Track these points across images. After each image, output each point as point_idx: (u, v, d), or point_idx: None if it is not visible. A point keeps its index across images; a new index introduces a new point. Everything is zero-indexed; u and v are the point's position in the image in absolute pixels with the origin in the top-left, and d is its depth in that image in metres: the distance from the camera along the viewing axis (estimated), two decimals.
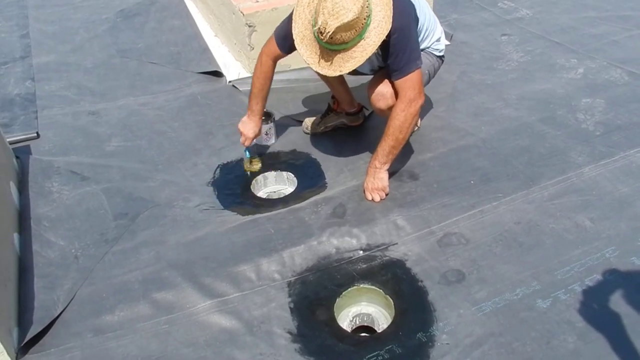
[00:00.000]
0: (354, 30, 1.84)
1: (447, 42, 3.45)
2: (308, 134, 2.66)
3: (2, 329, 1.55)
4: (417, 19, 2.08)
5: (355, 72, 2.42)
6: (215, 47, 3.55)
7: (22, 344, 1.64)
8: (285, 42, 2.13)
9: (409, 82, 2.02)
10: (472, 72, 3.11)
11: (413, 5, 2.05)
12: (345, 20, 1.79)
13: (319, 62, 1.95)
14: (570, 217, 2.09)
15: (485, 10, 3.84)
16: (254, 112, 2.35)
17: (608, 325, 1.71)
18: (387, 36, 1.91)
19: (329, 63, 1.93)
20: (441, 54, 2.33)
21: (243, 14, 2.98)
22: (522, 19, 3.69)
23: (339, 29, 1.81)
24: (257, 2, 3.08)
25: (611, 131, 2.50)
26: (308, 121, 2.68)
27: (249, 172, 2.44)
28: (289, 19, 2.06)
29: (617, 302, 1.78)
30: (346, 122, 2.65)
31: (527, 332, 1.70)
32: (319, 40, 1.90)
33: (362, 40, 1.88)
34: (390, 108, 2.16)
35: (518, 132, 2.55)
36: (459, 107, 2.80)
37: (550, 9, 3.80)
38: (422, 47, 2.21)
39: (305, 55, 1.96)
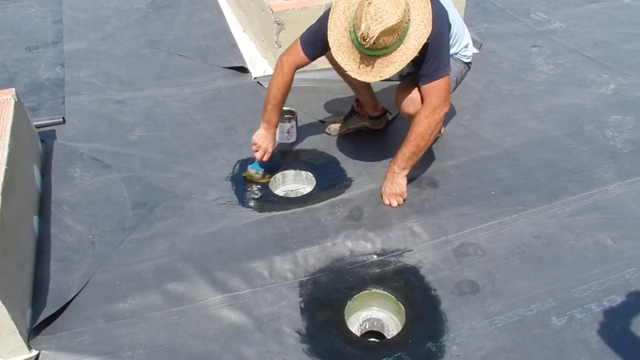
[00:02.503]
0: (396, 34, 1.84)
1: (476, 51, 3.42)
2: (330, 135, 2.65)
3: (16, 310, 1.57)
4: (449, 25, 2.06)
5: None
6: (243, 42, 3.56)
7: (35, 325, 1.67)
8: (313, 48, 2.12)
9: (435, 89, 2.00)
10: (500, 82, 3.07)
11: (446, 11, 2.03)
12: (389, 25, 1.78)
13: (358, 67, 1.93)
14: (592, 235, 2.05)
15: (517, 21, 3.78)
16: (272, 124, 2.29)
17: (624, 348, 1.66)
18: None
19: (370, 68, 1.92)
20: (469, 60, 2.30)
21: (272, 11, 2.98)
22: (555, 31, 3.63)
23: (382, 34, 1.80)
24: (287, 0, 3.08)
25: None
26: (331, 123, 2.68)
27: (246, 178, 2.38)
28: (319, 26, 2.05)
29: (636, 324, 1.73)
30: (369, 126, 2.64)
31: (539, 350, 1.67)
32: (358, 47, 1.89)
33: (402, 45, 1.88)
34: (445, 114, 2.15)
35: (543, 145, 2.50)
36: (484, 116, 2.76)
37: (584, 22, 3.73)
38: (451, 52, 2.19)
39: (344, 62, 1.95)
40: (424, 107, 2.03)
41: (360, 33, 1.82)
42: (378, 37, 1.81)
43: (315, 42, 2.09)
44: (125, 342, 1.68)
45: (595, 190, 2.23)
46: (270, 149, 2.32)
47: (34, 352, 1.62)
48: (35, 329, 1.67)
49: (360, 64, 1.93)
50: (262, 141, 2.29)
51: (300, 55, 2.15)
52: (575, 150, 2.46)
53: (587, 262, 1.95)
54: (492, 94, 2.96)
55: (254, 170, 2.37)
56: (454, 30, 2.13)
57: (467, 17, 3.66)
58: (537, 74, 3.14)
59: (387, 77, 1.92)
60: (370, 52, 1.88)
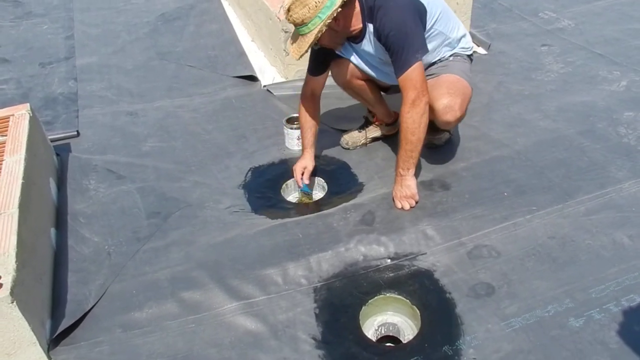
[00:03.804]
0: (308, 7, 1.90)
1: (485, 52, 3.41)
2: (348, 149, 2.62)
3: (36, 321, 1.59)
4: (422, 11, 2.06)
5: (388, 88, 2.43)
6: (252, 52, 3.59)
7: (54, 336, 1.69)
8: (316, 65, 2.28)
9: (409, 82, 2.00)
10: (509, 83, 3.06)
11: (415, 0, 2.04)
12: None
13: (291, 46, 2.04)
14: (608, 233, 2.03)
15: (525, 20, 3.77)
16: (303, 146, 2.41)
17: None
18: (383, 36, 1.99)
19: (296, 45, 2.01)
20: (470, 52, 2.32)
21: (279, 20, 3.01)
22: (564, 29, 3.61)
23: (293, 4, 1.91)
24: None
25: None
26: (347, 137, 2.64)
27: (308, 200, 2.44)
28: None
29: None
30: (385, 133, 2.64)
31: (557, 351, 1.65)
32: (295, 29, 2.01)
33: (320, 21, 1.92)
34: (458, 120, 2.20)
35: (555, 144, 2.48)
36: (494, 117, 2.75)
37: (593, 20, 3.71)
38: (449, 42, 2.24)
39: (288, 47, 2.08)
40: (402, 103, 2.04)
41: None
42: (290, 9, 1.92)
43: (314, 61, 2.26)
44: (143, 351, 1.69)
45: (610, 188, 2.21)
46: (300, 167, 2.36)
47: None
48: (54, 340, 1.69)
49: (291, 43, 2.04)
50: (298, 163, 2.38)
51: (309, 79, 2.31)
52: (588, 148, 2.44)
53: (604, 261, 1.93)
54: (503, 95, 2.95)
55: (302, 194, 2.40)
56: (437, 18, 2.13)
57: (474, 19, 3.67)
58: (547, 72, 3.13)
59: (305, 49, 1.98)
60: (297, 29, 1.98)
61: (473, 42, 3.50)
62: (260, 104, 3.06)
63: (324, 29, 1.94)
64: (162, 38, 3.83)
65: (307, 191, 2.38)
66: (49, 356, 1.64)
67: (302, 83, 2.37)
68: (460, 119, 2.20)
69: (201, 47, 3.68)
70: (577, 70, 3.11)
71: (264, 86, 3.20)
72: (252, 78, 3.28)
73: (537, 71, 3.15)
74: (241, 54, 3.56)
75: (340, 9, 1.93)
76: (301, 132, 2.41)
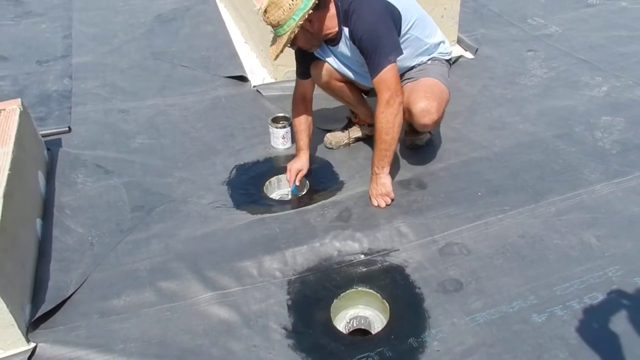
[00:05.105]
0: (282, 10, 1.97)
1: (472, 56, 3.48)
2: (332, 148, 2.68)
3: (15, 305, 1.67)
4: (396, 15, 2.12)
5: (369, 91, 2.50)
6: (244, 53, 3.67)
7: (33, 320, 1.76)
8: (300, 71, 2.37)
9: (383, 83, 2.07)
10: (494, 86, 3.12)
11: (388, 3, 2.10)
12: None
13: (270, 47, 2.12)
14: (576, 233, 2.08)
15: (513, 26, 3.83)
16: (297, 147, 2.47)
17: (603, 345, 1.69)
18: (357, 39, 2.06)
19: (274, 46, 2.08)
20: (448, 57, 2.39)
21: None
22: (551, 35, 3.67)
23: (269, 7, 1.99)
24: None
25: (628, 150, 2.47)
26: (330, 136, 2.70)
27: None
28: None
29: (615, 321, 1.76)
30: (367, 133, 2.70)
31: (519, 345, 1.71)
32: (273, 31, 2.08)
33: (294, 23, 1.99)
34: (436, 122, 2.26)
35: (532, 147, 2.54)
36: (476, 120, 2.82)
37: (580, 26, 3.77)
38: (427, 49, 2.30)
39: (269, 48, 2.15)
40: (377, 103, 2.11)
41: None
42: (267, 11, 2.00)
43: (301, 64, 2.35)
44: (118, 336, 1.76)
45: (582, 190, 2.27)
46: (293, 168, 2.41)
47: (32, 345, 1.71)
48: (33, 324, 1.76)
49: (271, 44, 2.11)
50: (291, 164, 2.43)
51: (298, 83, 2.40)
52: (563, 151, 2.50)
53: (571, 261, 1.98)
54: (486, 98, 3.01)
55: (293, 195, 2.45)
56: (412, 24, 2.19)
57: (464, 24, 3.73)
58: (531, 77, 3.19)
59: (280, 49, 2.06)
60: (275, 30, 2.06)
61: (460, 46, 3.59)
62: (249, 104, 3.13)
63: (297, 30, 2.01)
64: (158, 38, 3.91)
65: (295, 193, 2.44)
66: (27, 338, 1.71)
67: (290, 84, 2.46)
68: (437, 122, 2.27)
69: (195, 47, 3.76)
70: (560, 76, 3.17)
71: (254, 86, 3.26)
72: (243, 78, 3.35)
73: (522, 76, 3.21)
74: (234, 55, 3.63)
75: (312, 11, 2.00)
76: (295, 135, 2.47)
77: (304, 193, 2.49)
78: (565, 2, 4.11)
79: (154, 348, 1.73)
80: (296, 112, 2.43)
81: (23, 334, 1.68)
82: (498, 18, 3.98)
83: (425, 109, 2.19)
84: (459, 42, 3.61)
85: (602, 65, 3.23)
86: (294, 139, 2.58)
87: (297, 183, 2.41)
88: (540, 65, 3.32)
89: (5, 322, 1.61)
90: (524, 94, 3.02)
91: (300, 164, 2.42)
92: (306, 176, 2.51)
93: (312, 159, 2.63)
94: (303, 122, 2.43)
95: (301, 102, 2.42)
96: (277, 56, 2.07)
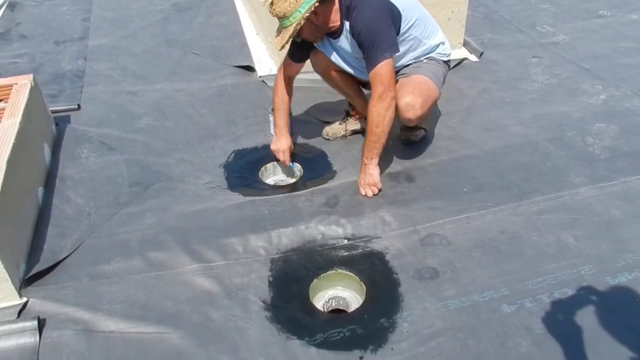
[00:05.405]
0: (289, 1, 2.03)
1: (476, 59, 3.53)
2: (329, 139, 2.76)
3: (10, 262, 1.78)
4: (396, 14, 2.19)
5: (366, 84, 2.57)
6: (255, 44, 3.77)
7: (26, 277, 1.88)
8: (295, 53, 2.42)
9: (377, 77, 2.14)
10: (494, 90, 3.17)
11: (390, 3, 2.17)
12: None
13: (275, 37, 2.19)
14: (555, 233, 2.13)
15: (521, 33, 3.87)
16: (279, 126, 2.55)
17: (566, 336, 1.74)
18: (356, 33, 2.12)
19: (279, 36, 2.15)
20: (447, 58, 2.44)
21: None
22: (558, 43, 3.70)
23: None
24: None
25: (617, 157, 2.51)
26: (328, 128, 2.79)
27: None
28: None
29: (581, 316, 1.81)
30: (364, 126, 2.77)
31: (484, 332, 1.77)
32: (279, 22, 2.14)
33: (300, 15, 2.06)
34: (420, 118, 2.33)
35: (522, 148, 2.60)
36: (472, 120, 2.87)
37: (588, 36, 3.79)
38: (424, 50, 2.35)
39: (273, 39, 2.22)
40: (370, 97, 2.19)
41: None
42: (272, 3, 2.06)
43: (297, 47, 2.39)
44: (105, 298, 1.87)
45: (565, 192, 2.32)
46: (284, 148, 2.51)
47: (24, 300, 1.84)
48: (26, 281, 1.88)
49: (276, 35, 2.18)
50: (275, 144, 2.53)
51: (289, 64, 2.46)
52: (553, 154, 2.55)
53: (547, 257, 2.03)
54: (485, 100, 3.07)
55: (296, 174, 2.56)
56: (412, 24, 2.26)
57: (472, 28, 3.79)
58: (532, 83, 3.23)
59: (286, 40, 2.12)
60: (281, 22, 2.12)
61: (466, 49, 3.64)
62: (254, 93, 3.22)
63: (302, 22, 2.10)
64: (172, 26, 4.03)
65: (292, 167, 2.56)
66: (20, 293, 1.83)
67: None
68: (421, 118, 2.34)
69: (207, 37, 3.87)
70: (562, 82, 3.21)
71: (260, 77, 3.36)
72: (250, 68, 3.45)
73: (523, 81, 3.25)
74: (243, 46, 3.73)
75: (318, 4, 2.09)
76: (275, 113, 2.54)
77: (293, 180, 2.58)
78: (576, 12, 4.13)
79: (137, 310, 1.83)
80: (280, 92, 2.49)
81: (16, 289, 1.80)
82: (507, 24, 4.02)
83: (409, 103, 2.26)
84: (465, 44, 3.67)
85: (604, 75, 3.26)
86: (290, 128, 2.67)
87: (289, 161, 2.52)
88: (543, 71, 3.36)
89: (0, 277, 1.73)
90: (522, 98, 3.06)
91: (286, 143, 2.52)
92: (301, 164, 2.60)
93: (309, 149, 2.72)
94: (285, 102, 2.51)
95: (287, 83, 2.49)
96: (282, 47, 2.15)
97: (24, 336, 1.72)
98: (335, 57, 2.40)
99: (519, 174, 2.43)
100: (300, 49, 2.41)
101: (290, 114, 2.77)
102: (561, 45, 3.68)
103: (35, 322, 1.73)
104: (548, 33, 3.87)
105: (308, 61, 2.63)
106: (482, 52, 3.57)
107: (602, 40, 3.72)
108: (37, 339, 1.73)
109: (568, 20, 4.03)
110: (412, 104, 2.25)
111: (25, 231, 2.00)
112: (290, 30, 2.11)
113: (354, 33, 2.18)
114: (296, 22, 2.08)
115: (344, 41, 2.29)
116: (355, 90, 2.60)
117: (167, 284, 1.93)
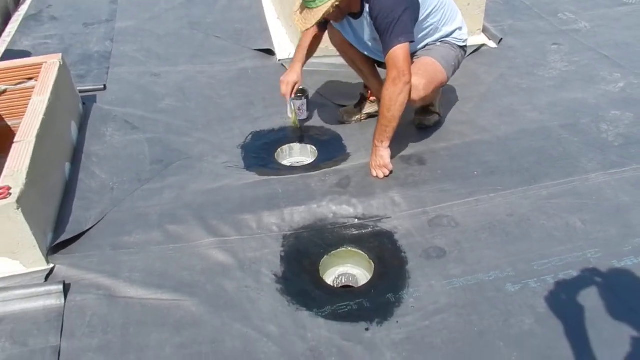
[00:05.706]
0: None
1: (495, 45, 3.53)
2: (344, 123, 2.81)
3: (38, 230, 1.90)
4: (417, 3, 2.21)
5: (382, 63, 2.61)
6: (275, 28, 3.83)
7: (53, 245, 2.01)
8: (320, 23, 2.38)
9: (392, 60, 2.18)
10: (511, 76, 3.18)
11: None
12: None
13: (298, 18, 2.19)
14: (563, 217, 2.17)
15: (542, 19, 3.85)
16: (295, 60, 2.56)
17: (569, 316, 1.79)
18: (374, 16, 2.15)
19: (303, 18, 2.17)
20: (463, 44, 2.46)
21: None
22: (579, 31, 3.68)
23: None
24: None
25: (630, 144, 2.51)
26: (343, 111, 2.84)
27: (295, 125, 2.66)
28: None
29: (585, 297, 1.85)
30: (379, 109, 2.82)
31: (488, 309, 1.83)
32: (303, 2, 2.16)
33: (331, 1, 2.08)
34: (422, 99, 2.36)
35: (535, 134, 2.62)
36: (486, 106, 2.90)
37: (611, 24, 3.75)
38: (441, 35, 2.38)
39: (294, 16, 2.23)
40: (385, 80, 2.22)
41: None
42: None
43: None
44: (126, 266, 1.98)
45: (576, 177, 2.34)
46: (289, 80, 2.53)
47: (50, 265, 1.96)
48: (53, 249, 2.00)
49: (300, 15, 2.19)
50: (284, 75, 2.56)
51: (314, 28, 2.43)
52: (565, 140, 2.56)
53: (553, 241, 2.07)
54: (500, 87, 3.08)
55: (295, 122, 2.63)
56: (437, 11, 2.29)
57: (492, 14, 3.78)
58: (550, 70, 3.23)
59: (312, 24, 2.13)
60: (306, 3, 2.13)
61: (485, 35, 3.64)
62: (273, 76, 3.27)
63: (332, 10, 2.12)
64: (196, 9, 4.12)
65: (294, 107, 2.65)
66: (47, 260, 1.95)
67: (313, 61, 2.60)
68: (424, 99, 2.37)
69: (229, 20, 3.95)
70: (580, 70, 3.20)
71: (279, 60, 3.43)
72: (270, 52, 3.52)
73: (540, 67, 3.25)
74: (264, 29, 3.79)
75: None
76: (297, 49, 2.56)
77: (304, 118, 2.65)
78: (600, 0, 4.09)
79: (155, 279, 1.93)
80: (310, 33, 2.48)
81: (44, 256, 1.92)
82: (528, 11, 4.00)
83: (413, 84, 2.29)
84: (484, 31, 3.67)
85: (623, 63, 3.24)
86: (307, 110, 2.74)
87: (293, 95, 2.57)
88: (562, 58, 3.35)
89: (29, 244, 1.85)
90: (539, 85, 3.07)
91: (295, 76, 2.54)
92: (316, 146, 2.66)
93: (325, 131, 2.78)
94: (309, 42, 2.53)
95: (313, 33, 2.51)
96: (306, 29, 2.20)
97: (50, 299, 1.84)
98: (351, 39, 2.44)
99: (530, 159, 2.45)
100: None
101: (307, 96, 2.83)
102: (582, 32, 3.66)
103: (61, 286, 1.84)
104: (569, 20, 3.84)
105: (324, 47, 2.69)
106: (501, 39, 3.57)
107: (624, 29, 3.68)
108: (62, 301, 1.84)
109: (591, 8, 3.99)
110: (416, 84, 2.28)
111: (52, 202, 2.12)
112: (318, 15, 2.12)
113: (372, 16, 2.22)
114: (325, 7, 2.10)
115: (364, 22, 2.33)
116: (370, 70, 2.64)
117: (184, 256, 2.03)
